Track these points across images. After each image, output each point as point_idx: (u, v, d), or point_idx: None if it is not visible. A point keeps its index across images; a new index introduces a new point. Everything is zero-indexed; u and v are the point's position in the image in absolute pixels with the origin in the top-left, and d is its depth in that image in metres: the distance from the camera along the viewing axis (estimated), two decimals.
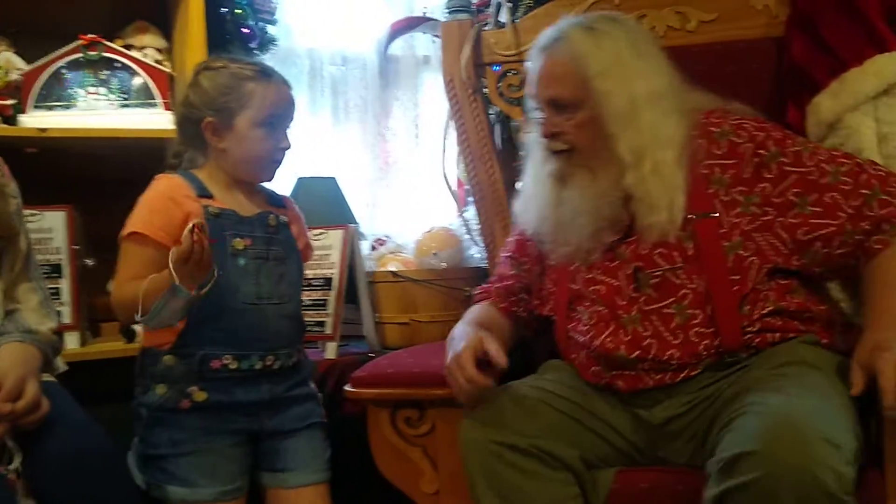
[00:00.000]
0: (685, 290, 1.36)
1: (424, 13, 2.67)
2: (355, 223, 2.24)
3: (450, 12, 2.11)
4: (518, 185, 1.63)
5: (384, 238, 2.37)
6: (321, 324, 2.05)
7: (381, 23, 2.69)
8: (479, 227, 2.05)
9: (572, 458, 1.32)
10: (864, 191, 1.35)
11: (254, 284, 1.47)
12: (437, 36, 2.19)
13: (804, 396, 1.18)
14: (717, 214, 1.37)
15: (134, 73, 2.00)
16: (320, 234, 2.10)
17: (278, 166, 1.54)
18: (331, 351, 2.02)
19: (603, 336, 1.39)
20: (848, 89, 1.58)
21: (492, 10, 2.08)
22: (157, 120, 1.98)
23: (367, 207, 2.67)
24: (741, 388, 1.28)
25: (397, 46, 2.74)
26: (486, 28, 2.05)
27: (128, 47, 2.04)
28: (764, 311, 1.35)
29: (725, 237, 1.37)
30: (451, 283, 2.12)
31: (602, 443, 1.39)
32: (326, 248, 2.09)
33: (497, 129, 2.27)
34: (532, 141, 1.54)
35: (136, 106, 1.99)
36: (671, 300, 1.37)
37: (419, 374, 1.48)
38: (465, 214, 2.28)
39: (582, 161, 1.43)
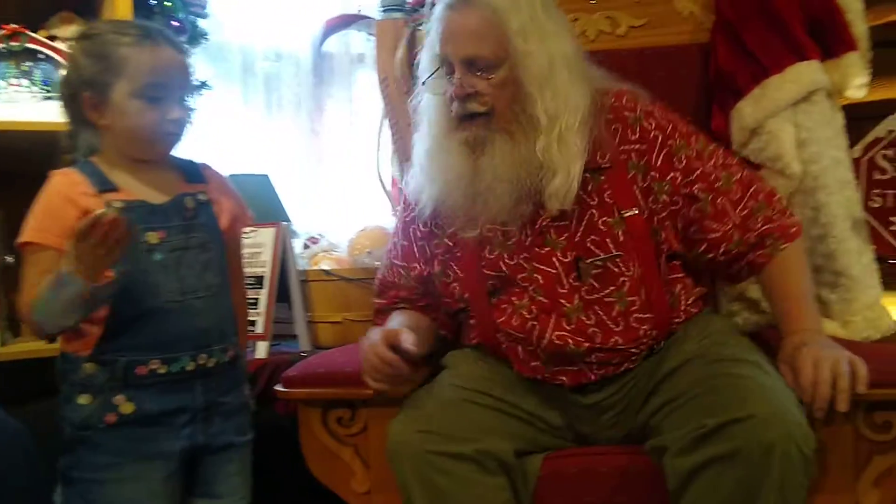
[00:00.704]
0: (623, 278, 1.37)
1: (359, 11, 2.65)
2: (287, 221, 2.22)
3: (384, 11, 2.11)
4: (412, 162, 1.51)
5: (317, 236, 2.35)
6: (252, 323, 2.03)
7: (316, 19, 2.66)
8: None
9: (507, 454, 1.31)
10: (751, 202, 1.40)
11: (175, 280, 1.33)
12: (371, 34, 2.18)
13: (758, 366, 1.28)
14: (640, 207, 1.38)
15: (58, 65, 1.93)
16: (251, 231, 2.07)
17: (175, 139, 1.36)
18: (262, 350, 1.99)
19: (549, 330, 1.37)
20: (769, 96, 1.64)
21: (426, 9, 2.08)
22: None
23: (300, 205, 2.64)
24: (680, 360, 1.33)
25: (332, 43, 2.72)
26: (421, 28, 2.05)
27: (52, 38, 1.98)
28: (689, 298, 1.41)
29: (650, 223, 1.39)
30: None
31: (529, 428, 1.39)
32: (258, 247, 2.07)
33: None
34: (430, 108, 1.44)
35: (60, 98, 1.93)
36: (612, 288, 1.37)
37: (351, 373, 1.46)
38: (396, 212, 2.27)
39: (500, 125, 1.36)
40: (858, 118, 1.86)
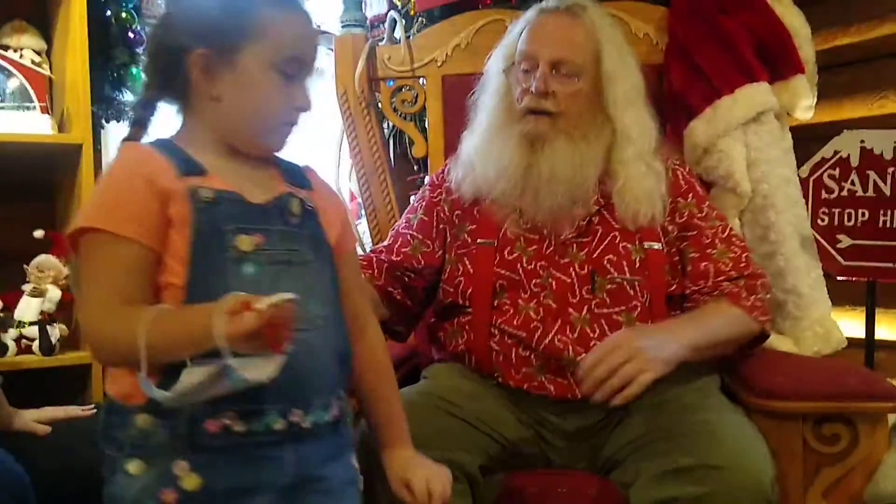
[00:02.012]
0: (636, 302, 1.41)
1: (318, 26, 2.65)
2: None
3: (343, 26, 2.11)
4: (465, 150, 1.55)
5: None
6: None
7: None
8: (371, 241, 2.05)
9: (471, 466, 1.30)
10: (733, 274, 1.45)
11: None
12: (330, 49, 2.18)
13: (735, 415, 1.31)
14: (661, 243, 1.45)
15: (10, 75, 1.90)
16: None
17: (290, 133, 1.06)
18: None
19: (552, 333, 1.38)
20: (720, 116, 1.68)
21: (386, 26, 2.09)
22: (34, 124, 1.89)
23: None
24: (661, 398, 1.34)
25: None
26: (381, 44, 2.06)
27: (3, 48, 1.95)
28: None
29: (666, 260, 1.44)
30: None
31: (498, 448, 1.39)
32: None
33: (390, 144, 2.30)
34: (492, 100, 1.51)
35: (12, 109, 1.89)
36: (622, 308, 1.40)
37: None
38: (357, 228, 2.27)
39: (565, 127, 1.43)
40: (805, 139, 1.91)
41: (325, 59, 2.68)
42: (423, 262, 1.54)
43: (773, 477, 1.21)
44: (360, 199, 2.13)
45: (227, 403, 0.93)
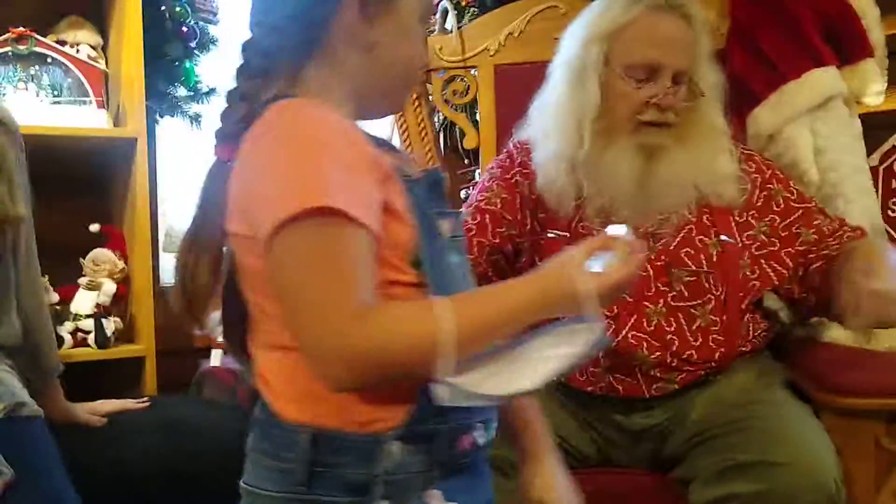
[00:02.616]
0: (710, 296, 1.37)
1: None
2: None
3: None
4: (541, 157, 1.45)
5: None
6: None
7: None
8: None
9: None
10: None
11: None
12: None
13: (799, 413, 1.28)
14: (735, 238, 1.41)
15: (67, 70, 1.92)
16: None
17: None
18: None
19: (626, 329, 1.35)
20: (786, 102, 1.63)
21: (437, 16, 2.07)
22: (90, 119, 1.90)
23: None
24: (724, 395, 1.32)
25: None
26: (433, 34, 2.04)
27: (61, 43, 1.96)
28: (756, 332, 1.41)
29: (740, 255, 1.40)
30: None
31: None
32: None
33: (440, 138, 2.27)
34: (594, 97, 1.39)
35: (68, 104, 1.91)
36: (698, 302, 1.37)
37: None
38: None
39: (681, 136, 1.40)
40: (876, 127, 1.84)
41: None
42: (511, 248, 1.46)
43: (839, 476, 1.17)
44: None
45: (478, 413, 0.82)
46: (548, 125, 1.44)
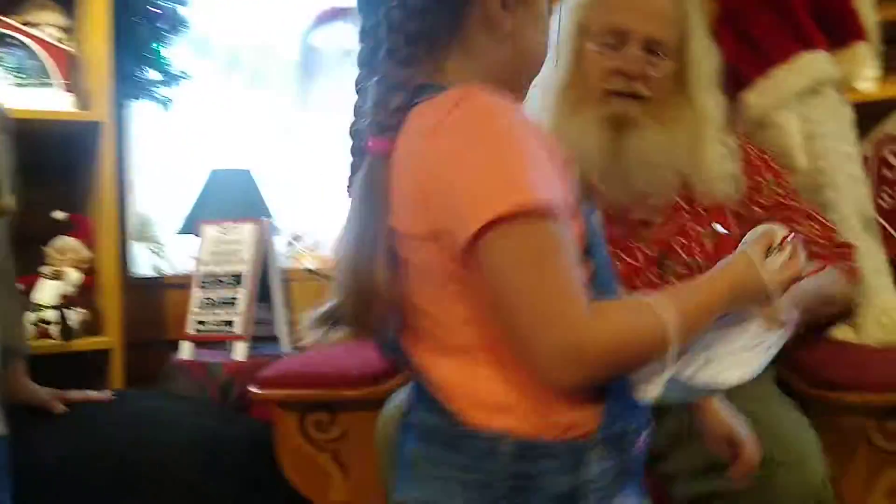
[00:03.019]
0: None
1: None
2: (269, 217, 2.15)
3: None
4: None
5: (301, 234, 2.28)
6: (230, 323, 1.94)
7: (305, 12, 2.60)
8: None
9: None
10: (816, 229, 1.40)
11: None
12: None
13: (786, 409, 1.24)
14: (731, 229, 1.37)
15: (30, 51, 1.85)
16: (231, 227, 1.99)
17: None
18: (240, 352, 1.91)
19: None
20: (775, 86, 1.59)
21: None
22: (54, 101, 1.84)
23: (284, 202, 2.55)
24: None
25: (321, 38, 2.65)
26: None
27: (26, 24, 1.90)
28: None
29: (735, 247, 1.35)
30: None
31: None
32: (237, 243, 1.99)
33: None
34: (564, 69, 1.35)
35: (32, 86, 1.85)
36: None
37: (331, 374, 1.39)
38: None
39: (655, 111, 1.33)
40: (868, 115, 1.79)
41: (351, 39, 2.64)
42: None
43: (825, 474, 1.14)
44: None
45: (646, 413, 0.81)
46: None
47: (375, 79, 0.80)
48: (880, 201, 1.85)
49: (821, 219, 1.42)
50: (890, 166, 1.88)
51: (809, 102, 1.58)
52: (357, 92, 0.83)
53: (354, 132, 0.83)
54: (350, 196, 0.80)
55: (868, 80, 1.64)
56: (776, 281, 0.79)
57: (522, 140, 0.73)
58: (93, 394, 1.55)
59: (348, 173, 0.83)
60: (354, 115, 0.83)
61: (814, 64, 1.58)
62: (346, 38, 2.67)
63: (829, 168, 1.56)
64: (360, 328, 0.78)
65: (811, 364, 1.34)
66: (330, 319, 0.80)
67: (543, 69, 1.30)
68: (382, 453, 1.26)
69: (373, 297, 0.75)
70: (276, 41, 2.64)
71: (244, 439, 1.56)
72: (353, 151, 0.83)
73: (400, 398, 1.28)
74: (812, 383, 1.30)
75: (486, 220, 0.68)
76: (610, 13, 1.32)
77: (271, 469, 1.46)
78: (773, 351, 0.81)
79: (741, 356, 0.80)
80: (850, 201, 1.56)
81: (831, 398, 1.26)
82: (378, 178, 0.77)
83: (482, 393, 0.75)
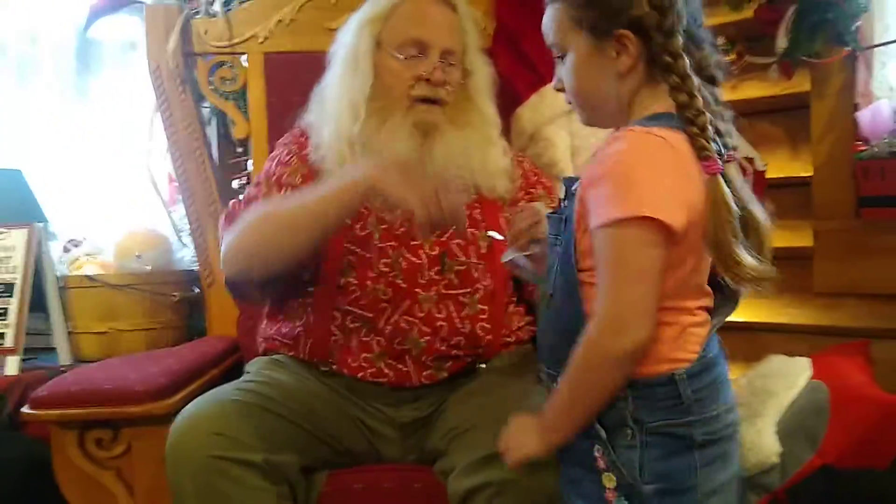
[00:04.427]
0: (479, 286, 1.41)
1: None
2: (44, 221, 2.02)
3: None
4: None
5: (79, 239, 2.15)
6: (0, 336, 1.81)
7: (80, 1, 2.45)
8: (189, 226, 1.93)
9: (292, 469, 1.27)
10: None
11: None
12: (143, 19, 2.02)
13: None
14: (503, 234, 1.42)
15: None
16: (1, 233, 1.86)
17: None
18: (12, 366, 1.79)
19: (398, 313, 1.37)
20: (545, 103, 1.70)
21: None
22: None
23: (60, 204, 2.39)
24: (481, 387, 1.36)
25: (100, 29, 2.51)
26: (197, 16, 1.93)
27: None
28: (519, 324, 1.47)
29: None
30: (156, 288, 1.98)
31: (323, 448, 1.35)
32: (7, 250, 1.87)
33: (214, 124, 2.17)
34: (366, 80, 1.43)
35: None
36: (468, 290, 1.40)
37: (112, 390, 1.34)
38: (173, 214, 2.13)
39: (452, 116, 1.45)
40: None
41: (138, 32, 2.52)
42: None
43: None
44: (177, 182, 2.00)
45: None
46: (326, 109, 1.47)
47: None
48: None
49: None
50: None
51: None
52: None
53: None
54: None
55: None
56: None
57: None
58: None
59: None
60: None
61: None
62: (127, 29, 2.56)
63: None
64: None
65: None
66: None
67: (342, 83, 1.41)
68: (181, 467, 1.22)
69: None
70: (49, 29, 2.46)
71: (19, 460, 1.47)
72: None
73: (190, 412, 1.26)
74: None
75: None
76: (411, 27, 1.44)
77: (52, 491, 1.39)
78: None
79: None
80: None
81: None
82: None
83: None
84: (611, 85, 0.99)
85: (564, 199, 1.05)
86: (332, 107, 1.46)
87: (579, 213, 0.98)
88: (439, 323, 1.38)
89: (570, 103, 1.06)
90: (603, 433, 0.98)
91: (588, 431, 0.99)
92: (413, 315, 1.38)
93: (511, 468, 1.05)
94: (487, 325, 1.41)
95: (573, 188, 1.02)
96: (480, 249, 1.44)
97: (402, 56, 1.43)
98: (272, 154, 1.55)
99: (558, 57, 1.04)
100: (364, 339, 1.39)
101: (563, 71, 1.03)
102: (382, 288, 1.39)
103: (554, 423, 1.00)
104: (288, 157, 1.50)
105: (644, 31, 0.95)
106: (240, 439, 1.23)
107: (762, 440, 1.11)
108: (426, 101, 1.43)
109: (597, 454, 0.99)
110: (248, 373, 1.45)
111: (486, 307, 1.41)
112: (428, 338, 1.37)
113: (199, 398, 1.31)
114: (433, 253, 1.41)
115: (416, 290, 1.39)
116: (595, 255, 0.95)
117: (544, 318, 1.08)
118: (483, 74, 1.51)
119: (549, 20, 1.03)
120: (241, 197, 1.53)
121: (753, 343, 1.55)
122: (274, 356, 1.47)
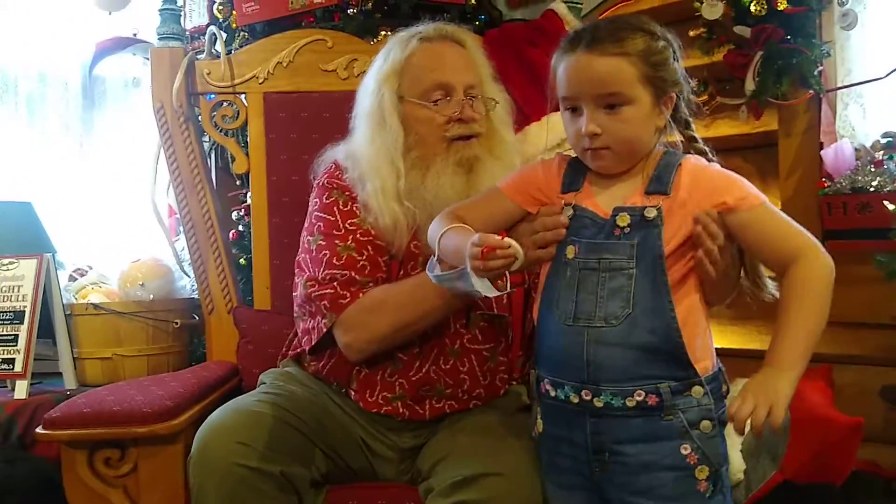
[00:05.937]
0: (502, 338, 1.46)
1: (135, 34, 2.56)
2: (52, 252, 2.09)
3: (160, 38, 2.06)
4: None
5: (85, 268, 2.23)
6: (10, 361, 1.89)
7: (86, 41, 2.54)
8: (190, 257, 2.01)
9: (303, 481, 1.32)
10: None
11: (572, 302, 1.17)
12: (147, 58, 2.11)
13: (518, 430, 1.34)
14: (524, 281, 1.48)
15: None
16: (10, 263, 1.94)
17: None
18: (20, 390, 1.86)
19: (428, 364, 1.41)
20: (529, 141, 1.77)
21: (206, 39, 2.07)
22: None
23: (67, 235, 2.47)
24: (469, 422, 1.41)
25: (105, 67, 2.61)
26: (200, 57, 2.03)
27: None
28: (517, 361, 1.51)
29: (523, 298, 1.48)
30: (158, 316, 2.05)
31: (328, 463, 1.40)
32: (17, 279, 1.94)
33: (212, 158, 2.26)
34: (398, 128, 1.46)
35: None
36: (491, 345, 1.45)
37: (120, 412, 1.41)
38: (175, 245, 2.22)
39: (489, 146, 1.48)
40: None
41: (141, 70, 2.62)
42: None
43: (535, 492, 1.26)
44: (178, 215, 2.08)
45: (544, 372, 1.20)
46: (364, 169, 1.47)
47: None
48: None
49: None
50: None
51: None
52: None
53: None
54: None
55: None
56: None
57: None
58: None
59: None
60: None
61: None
62: (131, 67, 2.66)
63: None
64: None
65: None
66: None
67: (373, 142, 1.49)
68: (207, 472, 1.26)
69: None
70: (57, 68, 2.55)
71: (30, 479, 1.53)
72: None
73: (214, 421, 1.30)
74: None
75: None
76: (431, 73, 1.47)
77: None
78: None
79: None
80: None
81: None
82: None
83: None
84: (651, 135, 1.18)
85: (626, 227, 1.14)
86: (370, 166, 1.46)
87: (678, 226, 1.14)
88: (462, 376, 1.42)
89: (601, 149, 1.15)
90: (694, 430, 1.13)
91: (670, 433, 1.13)
92: (439, 365, 1.42)
93: (775, 429, 1.04)
94: (505, 376, 1.47)
95: (647, 215, 1.14)
96: (503, 300, 1.46)
97: (430, 102, 1.46)
98: (316, 201, 1.53)
99: (608, 106, 1.14)
100: (388, 379, 1.43)
101: (612, 119, 1.14)
102: (418, 337, 1.41)
103: (792, 360, 1.07)
104: (350, 206, 1.48)
105: (678, 95, 1.17)
106: (260, 450, 1.27)
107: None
108: (462, 138, 1.46)
109: (684, 451, 1.13)
110: (263, 384, 1.50)
111: (503, 358, 1.46)
112: (451, 389, 1.42)
113: (221, 408, 1.36)
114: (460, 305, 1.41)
115: (445, 340, 1.43)
116: (755, 227, 1.14)
117: (609, 336, 1.13)
118: (502, 104, 1.55)
119: (616, 71, 1.13)
120: (310, 246, 1.49)
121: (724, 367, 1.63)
122: (286, 369, 1.52)
